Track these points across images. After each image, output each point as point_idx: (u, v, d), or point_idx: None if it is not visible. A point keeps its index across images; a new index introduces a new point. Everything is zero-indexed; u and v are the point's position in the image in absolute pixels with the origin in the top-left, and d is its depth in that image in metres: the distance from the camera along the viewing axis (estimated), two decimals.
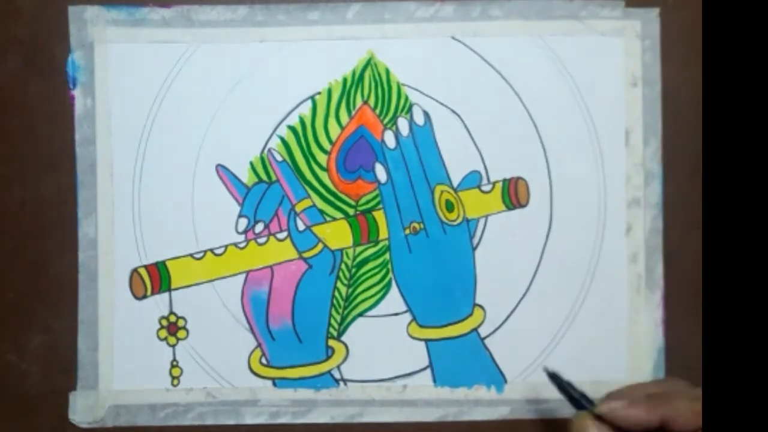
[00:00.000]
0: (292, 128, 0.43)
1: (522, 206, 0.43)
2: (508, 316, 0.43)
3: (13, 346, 0.42)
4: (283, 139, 0.43)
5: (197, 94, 0.42)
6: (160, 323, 0.42)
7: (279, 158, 0.43)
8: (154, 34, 0.42)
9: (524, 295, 0.43)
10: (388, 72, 0.43)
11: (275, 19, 0.42)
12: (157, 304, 0.42)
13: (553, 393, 0.42)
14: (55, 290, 0.42)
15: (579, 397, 0.37)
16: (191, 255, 0.42)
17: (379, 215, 0.43)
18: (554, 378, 0.38)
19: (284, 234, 0.42)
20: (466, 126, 0.43)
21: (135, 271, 0.42)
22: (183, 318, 0.42)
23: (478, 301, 0.43)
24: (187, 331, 0.42)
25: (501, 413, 0.43)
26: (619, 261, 0.43)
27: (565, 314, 0.43)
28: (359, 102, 0.43)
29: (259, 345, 0.42)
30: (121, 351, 0.42)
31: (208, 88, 0.42)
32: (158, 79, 0.42)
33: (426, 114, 0.43)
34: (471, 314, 0.43)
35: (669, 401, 0.34)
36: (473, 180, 0.43)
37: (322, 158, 0.43)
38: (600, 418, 0.35)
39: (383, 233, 0.43)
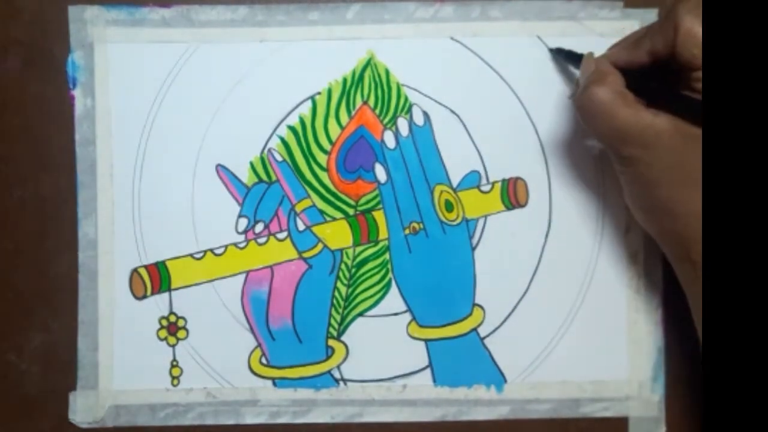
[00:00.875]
0: (292, 128, 0.43)
1: (521, 206, 0.43)
2: (508, 316, 0.43)
3: (13, 346, 0.42)
4: (283, 139, 0.43)
5: (197, 94, 0.42)
6: (160, 323, 0.42)
7: (279, 158, 0.43)
8: (154, 34, 0.42)
9: (524, 295, 0.43)
10: (387, 72, 0.43)
11: (275, 19, 0.42)
12: (157, 304, 0.42)
13: (552, 393, 0.43)
14: (55, 290, 0.42)
15: (581, 54, 0.39)
16: (191, 255, 0.42)
17: (378, 215, 0.43)
18: (558, 51, 0.42)
19: (284, 234, 0.43)
20: (465, 126, 0.43)
21: (135, 271, 0.42)
22: (183, 318, 0.42)
23: (477, 301, 0.43)
24: (187, 331, 0.42)
25: (501, 413, 0.43)
26: (619, 261, 0.43)
27: (564, 314, 0.43)
28: (359, 102, 0.43)
29: (259, 345, 0.42)
30: (121, 351, 0.42)
31: (208, 88, 0.42)
32: (158, 79, 0.42)
33: (425, 114, 0.43)
34: (470, 314, 0.43)
35: (648, 34, 0.36)
36: (472, 180, 0.43)
37: (322, 158, 0.43)
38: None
39: (383, 233, 0.43)
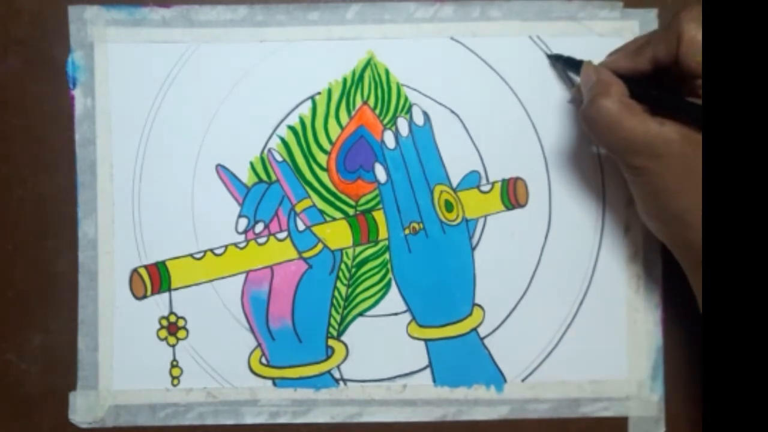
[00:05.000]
0: (292, 128, 0.43)
1: (521, 206, 0.43)
2: (508, 316, 0.43)
3: (13, 346, 0.42)
4: (283, 139, 0.43)
5: (197, 94, 0.42)
6: (160, 323, 0.42)
7: (279, 158, 0.43)
8: (154, 34, 0.42)
9: (523, 295, 0.43)
10: (387, 72, 0.43)
11: (275, 19, 0.43)
12: (157, 304, 0.42)
13: (552, 393, 0.43)
14: (55, 290, 0.42)
15: (580, 61, 0.40)
16: (191, 255, 0.42)
17: (378, 215, 0.43)
18: (557, 57, 0.42)
19: (284, 234, 0.43)
20: (465, 126, 0.43)
21: (135, 271, 0.42)
22: (183, 318, 0.42)
23: (477, 300, 0.43)
24: (187, 331, 0.42)
25: (500, 413, 0.43)
26: (618, 261, 0.43)
27: (564, 314, 0.43)
28: (359, 102, 0.43)
29: (259, 345, 0.42)
30: (121, 351, 0.42)
31: (208, 88, 0.42)
32: (158, 79, 0.42)
33: (425, 114, 0.43)
34: (470, 314, 0.43)
35: (651, 42, 0.36)
36: (472, 180, 0.43)
37: (322, 158, 0.43)
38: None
39: (383, 233, 0.43)
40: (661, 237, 0.38)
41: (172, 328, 0.42)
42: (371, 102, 0.43)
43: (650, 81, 0.37)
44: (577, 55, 0.42)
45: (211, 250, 0.42)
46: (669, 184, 0.34)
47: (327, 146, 0.43)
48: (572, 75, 0.42)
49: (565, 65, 0.42)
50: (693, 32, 0.34)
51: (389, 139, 0.43)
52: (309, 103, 0.43)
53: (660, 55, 0.36)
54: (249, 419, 0.42)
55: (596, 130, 0.36)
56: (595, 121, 0.36)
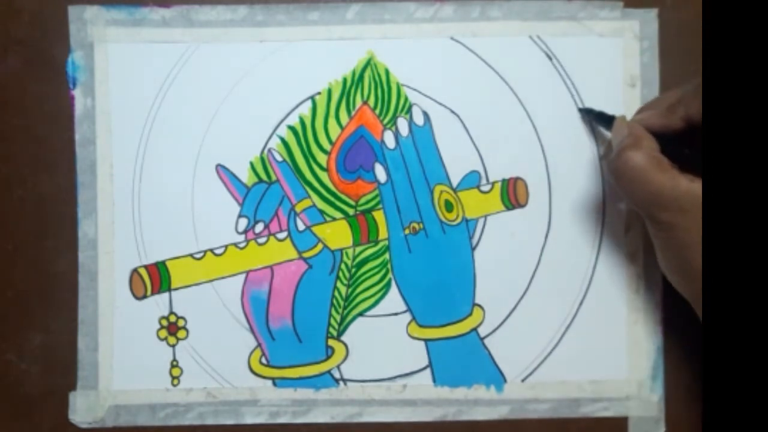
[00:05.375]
0: (292, 128, 0.43)
1: (521, 206, 0.43)
2: (508, 316, 0.43)
3: (13, 346, 0.42)
4: (283, 139, 0.43)
5: (197, 94, 0.42)
6: (160, 323, 0.42)
7: (279, 158, 0.43)
8: (154, 34, 0.42)
9: (523, 295, 0.43)
10: (387, 72, 0.43)
11: (275, 19, 0.43)
12: (157, 304, 0.42)
13: (552, 393, 0.43)
14: (55, 290, 0.42)
15: (612, 116, 0.40)
16: (191, 255, 0.42)
17: (378, 215, 0.43)
18: (587, 111, 0.42)
19: (284, 234, 0.43)
20: (465, 126, 0.43)
21: (135, 271, 0.42)
22: (183, 318, 0.42)
23: (477, 300, 0.43)
24: (187, 331, 0.42)
25: (500, 413, 0.43)
26: (618, 261, 0.43)
27: (564, 314, 0.43)
28: (359, 102, 0.43)
29: (259, 345, 0.42)
30: (121, 351, 0.42)
31: (208, 88, 0.42)
32: (158, 79, 0.42)
33: (425, 114, 0.43)
34: (470, 314, 0.43)
35: (683, 100, 0.36)
36: (472, 180, 0.43)
37: (322, 158, 0.43)
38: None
39: (383, 233, 0.43)
40: (682, 291, 0.37)
41: (172, 328, 0.42)
42: (371, 102, 0.43)
43: (683, 139, 0.36)
44: (576, 55, 0.42)
45: (211, 250, 0.42)
46: (694, 241, 0.34)
47: (327, 146, 0.43)
48: (602, 129, 0.42)
49: (596, 120, 0.42)
50: None
51: (389, 139, 0.43)
52: (309, 103, 0.43)
53: (693, 114, 0.35)
54: (249, 419, 0.42)
55: (624, 182, 0.36)
56: (624, 173, 0.35)
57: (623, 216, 0.43)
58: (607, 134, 0.40)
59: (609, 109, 0.42)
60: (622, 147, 0.36)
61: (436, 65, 0.43)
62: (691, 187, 0.34)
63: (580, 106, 0.42)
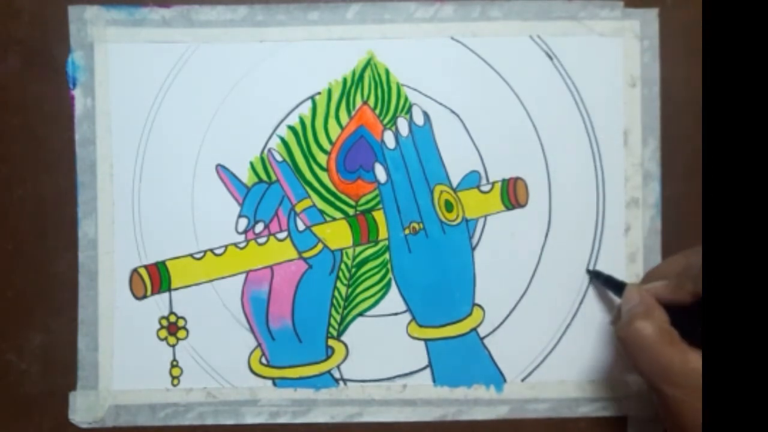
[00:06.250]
0: (292, 128, 0.43)
1: (521, 206, 0.43)
2: (507, 316, 0.43)
3: (13, 346, 0.42)
4: (283, 139, 0.43)
5: (197, 94, 0.42)
6: (160, 323, 0.42)
7: (279, 158, 0.43)
8: (154, 34, 0.42)
9: (523, 295, 0.43)
10: (387, 72, 0.43)
11: (275, 19, 0.42)
12: (157, 304, 0.42)
13: (552, 392, 0.43)
14: (55, 290, 0.42)
15: (622, 282, 0.40)
16: (191, 255, 0.42)
17: (378, 215, 0.43)
18: (596, 274, 0.42)
19: (284, 234, 0.43)
20: (465, 126, 0.43)
21: (135, 271, 0.42)
22: (183, 318, 0.42)
23: (477, 300, 0.43)
24: (187, 331, 0.42)
25: (500, 413, 0.43)
26: (618, 261, 0.43)
27: (563, 314, 0.43)
28: (359, 102, 0.43)
29: (259, 345, 0.43)
30: (121, 351, 0.42)
31: (208, 88, 0.42)
32: (158, 79, 0.42)
33: (425, 114, 0.43)
34: (470, 314, 0.43)
35: (691, 272, 0.36)
36: (472, 180, 0.43)
37: (322, 158, 0.43)
38: None
39: (383, 233, 0.43)
40: None
41: (172, 328, 0.42)
42: (371, 102, 0.43)
43: (692, 312, 0.36)
44: (577, 55, 0.42)
45: (211, 250, 0.42)
46: (700, 417, 0.33)
47: (327, 146, 0.43)
48: (611, 294, 0.42)
49: (605, 284, 0.41)
50: None
51: (389, 139, 0.43)
52: (309, 103, 0.43)
53: (701, 290, 0.35)
54: (249, 419, 0.42)
55: (633, 352, 0.35)
56: (633, 342, 0.35)
57: (623, 216, 0.43)
58: (616, 299, 0.40)
59: (609, 110, 0.42)
60: (632, 315, 0.35)
61: (436, 65, 0.43)
62: (700, 363, 0.33)
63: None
